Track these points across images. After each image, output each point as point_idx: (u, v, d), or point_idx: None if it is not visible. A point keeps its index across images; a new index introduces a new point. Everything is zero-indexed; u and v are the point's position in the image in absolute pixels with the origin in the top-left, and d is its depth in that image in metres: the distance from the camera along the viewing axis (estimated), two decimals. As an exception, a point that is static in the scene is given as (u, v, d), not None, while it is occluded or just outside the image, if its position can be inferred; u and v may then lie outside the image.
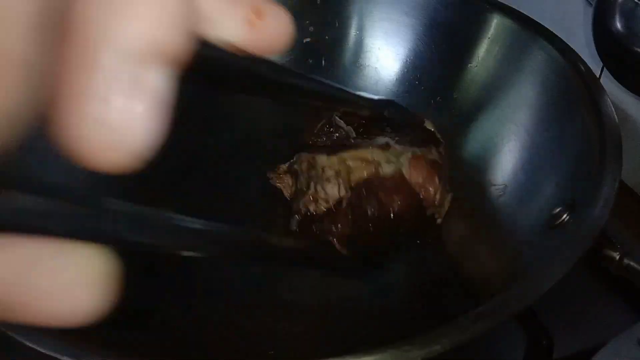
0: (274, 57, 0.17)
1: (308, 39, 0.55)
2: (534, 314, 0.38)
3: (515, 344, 0.39)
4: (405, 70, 0.53)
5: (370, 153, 0.42)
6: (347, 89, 0.35)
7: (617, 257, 0.35)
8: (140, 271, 0.40)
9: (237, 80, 0.19)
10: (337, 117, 0.49)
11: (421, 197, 0.40)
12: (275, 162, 0.48)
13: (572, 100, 0.40)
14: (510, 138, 0.45)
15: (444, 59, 0.51)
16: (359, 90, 0.54)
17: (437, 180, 0.41)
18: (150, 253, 0.17)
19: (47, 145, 0.12)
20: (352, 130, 0.48)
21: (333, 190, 0.40)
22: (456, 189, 0.45)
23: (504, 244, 0.39)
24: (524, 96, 0.45)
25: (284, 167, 0.47)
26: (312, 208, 0.39)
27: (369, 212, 0.39)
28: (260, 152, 0.51)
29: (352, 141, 0.48)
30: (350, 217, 0.40)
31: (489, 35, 0.49)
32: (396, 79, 0.54)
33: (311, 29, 0.55)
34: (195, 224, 0.18)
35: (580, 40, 0.52)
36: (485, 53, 0.49)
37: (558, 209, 0.35)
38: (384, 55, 0.54)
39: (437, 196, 0.41)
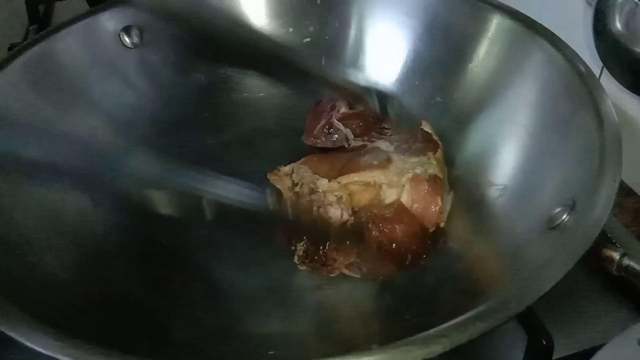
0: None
1: (308, 39, 0.55)
2: (534, 314, 0.38)
3: (515, 344, 0.39)
4: (405, 70, 0.53)
5: (371, 177, 0.42)
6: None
7: (617, 257, 0.35)
8: (139, 270, 0.40)
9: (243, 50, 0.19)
10: (336, 120, 0.50)
11: (424, 222, 0.41)
12: (275, 162, 0.48)
13: (572, 100, 0.40)
14: (510, 138, 0.45)
15: (444, 59, 0.51)
16: (359, 90, 0.55)
17: (439, 200, 0.41)
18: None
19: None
20: (350, 132, 0.48)
21: (336, 214, 0.40)
22: (456, 189, 0.45)
23: (504, 244, 0.39)
24: (523, 96, 0.45)
25: (285, 168, 0.47)
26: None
27: (373, 243, 0.39)
28: (261, 152, 0.51)
29: (352, 143, 0.48)
30: (354, 246, 0.40)
31: (489, 35, 0.49)
32: (396, 79, 0.54)
33: (311, 29, 0.55)
34: None
35: (580, 40, 0.52)
36: (485, 53, 0.49)
37: (558, 209, 0.35)
38: (384, 56, 0.54)
39: (440, 214, 0.41)
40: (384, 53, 0.54)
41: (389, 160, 0.43)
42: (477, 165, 0.46)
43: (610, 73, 0.50)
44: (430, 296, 0.38)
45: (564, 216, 0.34)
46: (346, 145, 0.49)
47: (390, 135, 0.47)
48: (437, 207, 0.41)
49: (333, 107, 0.51)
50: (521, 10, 0.47)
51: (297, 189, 0.44)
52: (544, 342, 0.36)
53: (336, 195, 0.41)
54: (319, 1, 0.55)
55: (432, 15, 0.52)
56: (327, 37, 0.55)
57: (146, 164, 0.48)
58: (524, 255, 0.35)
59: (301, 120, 0.53)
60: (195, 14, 0.50)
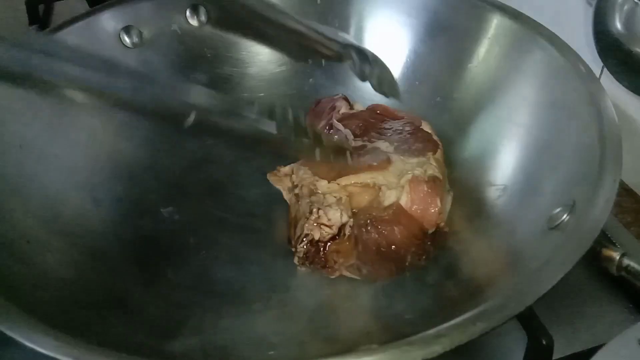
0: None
1: (308, 39, 0.55)
2: (534, 314, 0.38)
3: (515, 344, 0.39)
4: (406, 70, 0.53)
5: (370, 179, 0.42)
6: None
7: (617, 257, 0.35)
8: (139, 270, 0.40)
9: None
10: (335, 121, 0.50)
11: (423, 224, 0.41)
12: (275, 162, 0.48)
13: (572, 100, 0.40)
14: (510, 138, 0.45)
15: (444, 59, 0.51)
16: (359, 90, 0.55)
17: (438, 201, 0.41)
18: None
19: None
20: (350, 132, 0.48)
21: (336, 216, 0.40)
22: (456, 189, 0.45)
23: (504, 244, 0.39)
24: (523, 96, 0.45)
25: (284, 169, 0.47)
26: (316, 235, 0.40)
27: (373, 245, 0.39)
28: (260, 153, 0.51)
29: (352, 144, 0.48)
30: (354, 248, 0.40)
31: (489, 35, 0.49)
32: (396, 79, 0.54)
33: (311, 29, 0.55)
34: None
35: (580, 40, 0.52)
36: (485, 53, 0.49)
37: (558, 209, 0.35)
38: (384, 55, 0.54)
39: (440, 215, 0.41)
40: (384, 53, 0.54)
41: (388, 161, 0.43)
42: (477, 165, 0.46)
43: (610, 73, 0.50)
44: (430, 296, 0.38)
45: (564, 216, 0.34)
46: (346, 146, 0.49)
47: (390, 135, 0.47)
48: (437, 209, 0.41)
49: (333, 108, 0.51)
50: (521, 10, 0.47)
51: (296, 190, 0.44)
52: (544, 342, 0.36)
53: (335, 197, 0.41)
54: (319, 1, 0.55)
55: (432, 15, 0.52)
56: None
57: (146, 164, 0.48)
58: (524, 255, 0.35)
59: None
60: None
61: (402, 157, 0.44)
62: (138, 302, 0.37)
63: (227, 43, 0.55)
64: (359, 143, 0.47)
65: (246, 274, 0.41)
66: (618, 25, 0.47)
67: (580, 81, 0.40)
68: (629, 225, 0.49)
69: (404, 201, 0.41)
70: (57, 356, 0.25)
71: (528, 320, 0.38)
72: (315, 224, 0.40)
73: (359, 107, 0.52)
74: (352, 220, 0.40)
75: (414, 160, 0.44)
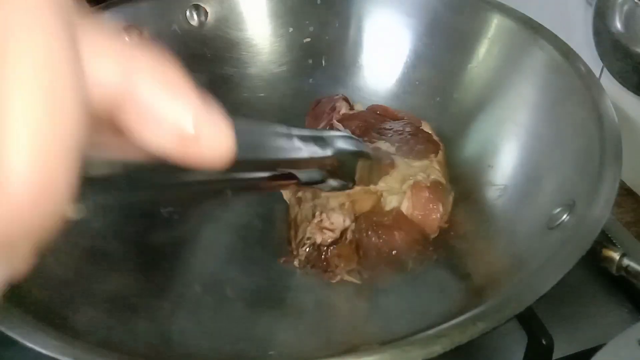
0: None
1: (308, 39, 0.55)
2: (534, 314, 0.38)
3: (515, 344, 0.39)
4: (406, 70, 0.53)
5: (372, 185, 0.42)
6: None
7: (617, 257, 0.35)
8: (138, 270, 0.40)
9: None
10: (335, 121, 0.49)
11: (425, 229, 0.41)
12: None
13: (572, 100, 0.40)
14: (510, 138, 0.45)
15: (444, 59, 0.51)
16: (359, 90, 0.55)
17: (440, 207, 0.41)
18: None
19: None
20: (350, 133, 0.48)
21: (338, 220, 0.40)
22: (456, 189, 0.45)
23: (504, 244, 0.39)
24: (523, 96, 0.45)
25: (285, 169, 0.47)
26: (318, 239, 0.40)
27: (374, 250, 0.39)
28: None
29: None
30: (355, 253, 0.40)
31: (489, 35, 0.49)
32: (396, 79, 0.54)
33: (311, 29, 0.55)
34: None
35: (580, 40, 0.52)
36: (485, 53, 0.49)
37: (558, 209, 0.35)
38: (384, 55, 0.54)
39: (441, 220, 0.41)
40: (384, 53, 0.54)
41: (392, 165, 0.43)
42: (477, 165, 0.46)
43: (610, 73, 0.50)
44: (430, 296, 0.38)
45: (564, 216, 0.34)
46: (346, 146, 0.49)
47: (390, 136, 0.47)
48: (438, 215, 0.41)
49: (333, 109, 0.51)
50: (521, 10, 0.47)
51: (299, 193, 0.44)
52: (544, 342, 0.36)
53: (339, 201, 0.41)
54: (319, 1, 0.55)
55: (432, 15, 0.52)
56: (327, 37, 0.55)
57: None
58: (524, 255, 0.35)
59: (301, 120, 0.53)
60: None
61: (405, 160, 0.44)
62: (138, 302, 0.37)
63: (227, 43, 0.55)
64: (360, 143, 0.47)
65: (246, 274, 0.41)
66: (618, 25, 0.47)
67: (580, 81, 0.40)
68: (629, 225, 0.49)
69: (405, 207, 0.41)
70: (57, 356, 0.25)
71: (528, 320, 0.38)
72: (317, 227, 0.40)
73: (359, 107, 0.52)
74: (354, 224, 0.40)
75: (418, 163, 0.44)
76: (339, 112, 0.50)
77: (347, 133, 0.29)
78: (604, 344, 0.30)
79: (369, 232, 0.39)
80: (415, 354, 0.24)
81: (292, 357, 0.35)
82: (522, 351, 0.38)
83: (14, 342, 0.26)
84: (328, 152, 0.25)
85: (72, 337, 0.26)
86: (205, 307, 0.38)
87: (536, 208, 0.38)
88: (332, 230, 0.40)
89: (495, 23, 0.48)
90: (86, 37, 0.12)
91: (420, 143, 0.46)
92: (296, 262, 0.41)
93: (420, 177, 0.42)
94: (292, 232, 0.43)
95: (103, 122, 0.14)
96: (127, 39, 0.14)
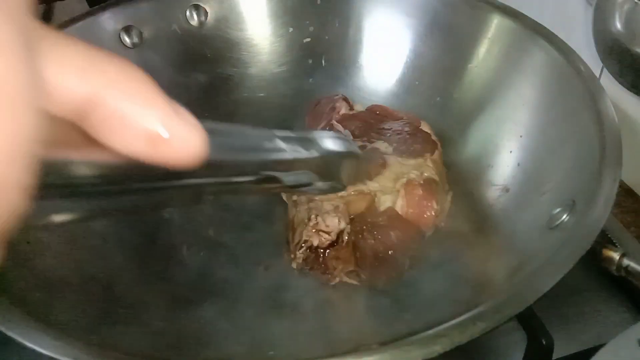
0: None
1: (308, 39, 0.55)
2: (534, 314, 0.38)
3: (515, 344, 0.39)
4: (406, 70, 0.53)
5: (365, 186, 0.42)
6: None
7: (617, 257, 0.35)
8: (139, 270, 0.40)
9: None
10: (335, 122, 0.50)
11: (420, 227, 0.41)
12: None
13: (572, 100, 0.40)
14: (510, 138, 0.45)
15: (444, 59, 0.51)
16: (359, 90, 0.55)
17: (434, 204, 0.41)
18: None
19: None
20: (349, 133, 0.48)
21: (333, 222, 0.40)
22: (456, 189, 0.45)
23: (504, 244, 0.39)
24: (523, 96, 0.45)
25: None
26: (315, 242, 0.40)
27: (370, 251, 0.39)
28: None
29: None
30: (352, 254, 0.40)
31: (489, 35, 0.49)
32: (396, 79, 0.54)
33: (311, 29, 0.55)
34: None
35: (580, 40, 0.52)
36: (485, 53, 0.49)
37: (558, 209, 0.35)
38: (384, 55, 0.54)
39: (436, 218, 0.41)
40: (384, 53, 0.54)
41: (384, 165, 0.43)
42: (477, 165, 0.46)
43: (610, 73, 0.50)
44: (430, 296, 0.38)
45: (564, 216, 0.34)
46: (346, 146, 0.49)
47: (389, 136, 0.47)
48: (433, 212, 0.41)
49: (333, 109, 0.51)
50: (521, 10, 0.47)
51: (294, 197, 0.44)
52: (544, 342, 0.36)
53: (333, 204, 0.41)
54: (319, 1, 0.55)
55: (432, 15, 0.52)
56: (327, 37, 0.55)
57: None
58: (524, 255, 0.35)
59: (301, 120, 0.53)
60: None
61: (399, 159, 0.44)
62: (138, 302, 0.37)
63: (227, 43, 0.55)
64: (359, 144, 0.47)
65: (246, 274, 0.41)
66: (618, 25, 0.47)
67: (580, 81, 0.40)
68: (629, 225, 0.49)
69: (399, 205, 0.41)
70: (57, 356, 0.25)
71: (528, 320, 0.38)
72: (313, 231, 0.40)
73: (358, 107, 0.52)
74: (349, 226, 0.40)
75: (412, 161, 0.44)
76: (338, 112, 0.50)
77: (334, 134, 0.28)
78: (604, 344, 0.30)
79: (365, 234, 0.39)
80: (415, 354, 0.24)
81: (292, 357, 0.35)
82: (522, 351, 0.38)
83: (14, 342, 0.26)
84: (313, 153, 0.25)
85: (72, 337, 0.26)
86: (205, 307, 0.38)
87: (536, 208, 0.38)
88: (328, 233, 0.40)
89: (495, 23, 0.48)
90: (51, 50, 0.13)
91: (418, 142, 0.46)
92: (294, 265, 0.41)
93: (414, 175, 0.42)
94: (290, 235, 0.43)
95: (72, 128, 0.15)
96: (95, 50, 0.14)
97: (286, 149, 0.23)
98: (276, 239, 0.44)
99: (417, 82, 0.53)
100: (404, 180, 0.42)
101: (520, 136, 0.44)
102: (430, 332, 0.25)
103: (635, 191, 0.53)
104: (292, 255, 0.41)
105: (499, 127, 0.46)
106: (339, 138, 0.28)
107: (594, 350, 0.30)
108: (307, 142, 0.25)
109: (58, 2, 0.74)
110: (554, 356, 0.37)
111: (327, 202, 0.41)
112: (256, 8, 0.55)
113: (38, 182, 0.12)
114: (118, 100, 0.14)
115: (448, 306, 0.36)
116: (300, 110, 0.53)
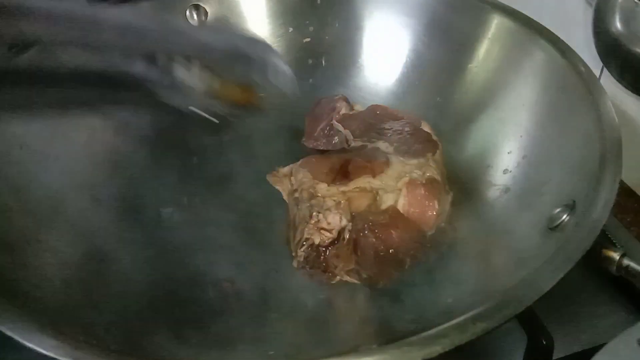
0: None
1: (308, 39, 0.55)
2: (534, 314, 0.38)
3: (515, 344, 0.39)
4: (406, 70, 0.53)
5: (366, 183, 0.42)
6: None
7: (617, 257, 0.35)
8: (138, 270, 0.40)
9: None
10: (335, 122, 0.50)
11: (421, 226, 0.41)
12: (274, 163, 0.48)
13: (572, 101, 0.40)
14: (510, 138, 0.45)
15: (444, 59, 0.51)
16: (359, 90, 0.55)
17: (435, 203, 0.41)
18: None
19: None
20: (350, 133, 0.48)
21: (335, 219, 0.40)
22: (456, 189, 0.45)
23: (504, 244, 0.39)
24: (523, 96, 0.45)
25: (283, 170, 0.47)
26: (317, 240, 0.40)
27: (371, 249, 0.39)
28: (260, 153, 0.51)
29: (352, 144, 0.48)
30: (353, 253, 0.40)
31: (489, 35, 0.49)
32: (396, 79, 0.54)
33: (311, 29, 0.55)
34: None
35: (580, 40, 0.52)
36: (485, 53, 0.49)
37: (558, 209, 0.35)
38: (384, 55, 0.54)
39: (438, 217, 0.41)
40: (384, 53, 0.54)
41: (387, 164, 0.43)
42: (477, 165, 0.46)
43: (610, 73, 0.50)
44: (431, 296, 0.38)
45: (564, 216, 0.34)
46: (346, 147, 0.49)
47: (390, 136, 0.47)
48: (434, 211, 0.41)
49: (333, 109, 0.51)
50: (521, 10, 0.47)
51: (296, 194, 0.44)
52: (544, 342, 0.36)
53: (335, 200, 0.41)
54: (319, 1, 0.55)
55: (432, 16, 0.52)
56: (327, 37, 0.55)
57: (146, 164, 0.48)
58: (524, 255, 0.35)
59: (301, 120, 0.53)
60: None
61: (401, 159, 0.44)
62: (138, 302, 0.37)
63: (227, 43, 0.54)
64: (359, 143, 0.47)
65: (246, 274, 0.41)
66: (618, 25, 0.47)
67: (580, 81, 0.40)
68: (629, 225, 0.49)
69: (400, 204, 0.41)
70: (57, 356, 0.25)
71: (528, 320, 0.38)
72: (315, 228, 0.40)
73: (358, 107, 0.52)
74: (350, 224, 0.40)
75: (414, 161, 0.44)
76: (338, 112, 0.51)
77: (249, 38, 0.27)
78: (604, 344, 0.30)
79: (366, 232, 0.39)
80: (415, 354, 0.24)
81: (292, 357, 0.35)
82: (522, 351, 0.38)
83: (14, 342, 0.26)
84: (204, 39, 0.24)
85: (72, 337, 0.26)
86: (205, 307, 0.38)
87: (536, 208, 0.38)
88: (329, 231, 0.40)
89: (495, 23, 0.48)
90: None
91: (419, 142, 0.46)
92: (295, 264, 0.41)
93: (416, 174, 0.42)
94: (291, 233, 0.43)
95: None
96: None
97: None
98: (276, 238, 0.44)
99: (417, 82, 0.53)
100: (406, 179, 0.42)
101: (520, 136, 0.44)
102: (430, 332, 0.25)
103: (635, 191, 0.53)
104: (293, 254, 0.41)
105: (499, 128, 0.46)
106: (246, 40, 0.27)
107: (594, 350, 0.30)
108: (210, 31, 0.25)
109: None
110: (554, 356, 0.37)
111: (329, 198, 0.41)
112: (256, 8, 0.55)
113: None
114: None
115: (448, 306, 0.36)
116: (300, 110, 0.53)
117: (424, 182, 0.42)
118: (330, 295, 0.40)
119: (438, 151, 0.45)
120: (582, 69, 0.40)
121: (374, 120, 0.49)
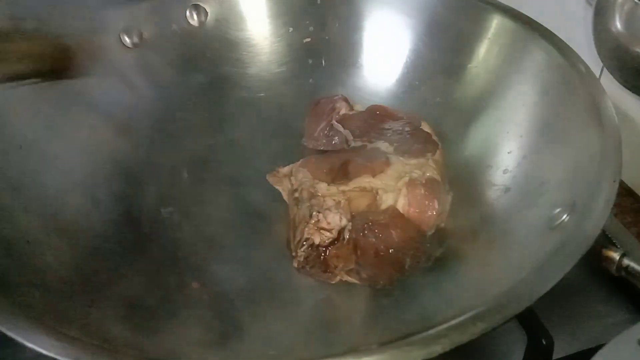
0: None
1: (308, 39, 0.55)
2: (534, 314, 0.38)
3: (515, 344, 0.39)
4: (406, 70, 0.53)
5: (367, 182, 0.42)
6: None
7: (617, 257, 0.35)
8: (138, 270, 0.40)
9: None
10: (335, 122, 0.50)
11: (421, 226, 0.41)
12: (274, 163, 0.48)
13: (572, 100, 0.40)
14: (510, 138, 0.45)
15: (444, 59, 0.51)
16: (359, 90, 0.55)
17: (436, 203, 0.41)
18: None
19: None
20: (350, 133, 0.48)
21: (335, 219, 0.40)
22: (456, 189, 0.45)
23: (504, 244, 0.39)
24: (523, 96, 0.45)
25: (284, 169, 0.47)
26: (316, 240, 0.40)
27: (371, 249, 0.39)
28: (260, 153, 0.51)
29: (352, 144, 0.48)
30: (353, 253, 0.40)
31: (489, 35, 0.49)
32: (396, 79, 0.54)
33: (311, 29, 0.55)
34: None
35: (580, 40, 0.52)
36: (485, 53, 0.49)
37: (558, 209, 0.35)
38: (383, 55, 0.54)
39: (438, 217, 0.41)
40: (384, 53, 0.54)
41: (387, 164, 0.43)
42: (477, 165, 0.46)
43: (610, 73, 0.50)
44: (431, 296, 0.38)
45: (564, 216, 0.34)
46: (346, 147, 0.49)
47: (389, 136, 0.47)
48: (434, 211, 0.41)
49: (333, 109, 0.51)
50: (521, 10, 0.47)
51: (296, 194, 0.44)
52: (544, 342, 0.36)
53: (335, 200, 0.41)
54: (319, 1, 0.55)
55: (432, 15, 0.52)
56: (327, 37, 0.55)
57: (145, 164, 0.48)
58: (524, 255, 0.35)
59: (301, 120, 0.53)
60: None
61: (401, 159, 0.44)
62: (138, 303, 0.37)
63: (227, 43, 0.55)
64: (359, 143, 0.47)
65: (246, 274, 0.41)
66: (618, 25, 0.47)
67: (580, 81, 0.40)
68: (629, 225, 0.49)
69: (400, 204, 0.41)
70: (57, 356, 0.25)
71: (528, 320, 0.38)
72: (315, 228, 0.40)
73: (358, 107, 0.52)
74: (350, 224, 0.40)
75: (414, 161, 0.44)
76: (338, 112, 0.51)
77: None
78: (604, 344, 0.30)
79: (366, 232, 0.39)
80: (415, 354, 0.24)
81: (292, 357, 0.35)
82: (522, 351, 0.38)
83: (14, 342, 0.26)
84: None
85: (72, 337, 0.26)
86: (206, 307, 0.38)
87: (536, 208, 0.38)
88: (329, 231, 0.40)
89: (495, 23, 0.48)
90: None
91: (419, 142, 0.46)
92: (295, 263, 0.41)
93: (416, 174, 0.42)
94: (291, 233, 0.43)
95: None
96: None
97: None
98: (277, 238, 0.44)
99: (417, 82, 0.53)
100: (406, 179, 0.42)
101: (520, 136, 0.44)
102: (430, 332, 0.25)
103: (635, 191, 0.53)
104: (293, 254, 0.41)
105: (498, 128, 0.46)
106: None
107: (594, 350, 0.30)
108: None
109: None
110: (554, 356, 0.37)
111: (329, 197, 0.41)
112: (256, 8, 0.55)
113: None
114: None
115: (448, 306, 0.36)
116: (300, 110, 0.53)
117: (423, 182, 0.42)
118: (330, 295, 0.40)
119: (438, 151, 0.45)
120: (582, 69, 0.40)
121: (373, 120, 0.49)
